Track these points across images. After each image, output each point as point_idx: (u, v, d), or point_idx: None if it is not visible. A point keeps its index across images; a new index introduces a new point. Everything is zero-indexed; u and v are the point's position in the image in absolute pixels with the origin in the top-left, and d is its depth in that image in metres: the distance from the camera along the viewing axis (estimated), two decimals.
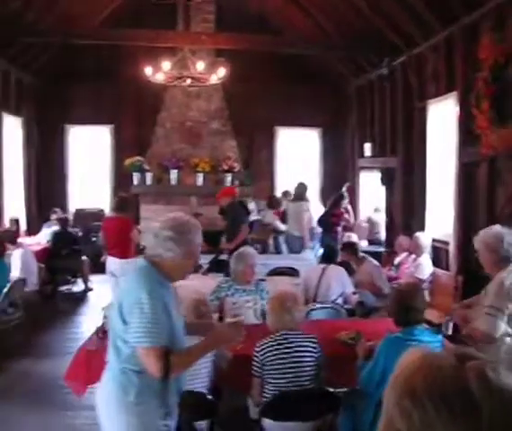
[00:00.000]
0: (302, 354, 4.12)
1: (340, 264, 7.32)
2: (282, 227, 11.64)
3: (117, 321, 3.09)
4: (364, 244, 11.57)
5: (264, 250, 11.20)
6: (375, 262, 8.02)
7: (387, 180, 11.80)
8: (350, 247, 8.13)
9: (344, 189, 12.01)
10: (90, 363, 4.63)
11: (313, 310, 6.27)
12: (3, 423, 5.76)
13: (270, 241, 11.76)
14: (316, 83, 14.06)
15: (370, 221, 12.76)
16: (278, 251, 11.56)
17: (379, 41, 10.92)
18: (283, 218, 11.60)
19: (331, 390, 4.13)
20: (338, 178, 13.59)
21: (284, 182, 14.44)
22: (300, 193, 11.46)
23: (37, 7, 10.92)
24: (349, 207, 11.74)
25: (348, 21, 11.49)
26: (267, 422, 3.99)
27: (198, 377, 4.03)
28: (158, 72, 10.17)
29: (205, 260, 8.99)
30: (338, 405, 4.09)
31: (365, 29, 10.90)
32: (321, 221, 11.14)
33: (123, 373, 3.11)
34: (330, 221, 11.01)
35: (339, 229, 11.14)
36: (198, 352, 3.34)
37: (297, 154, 15.26)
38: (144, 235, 3.30)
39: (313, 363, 4.15)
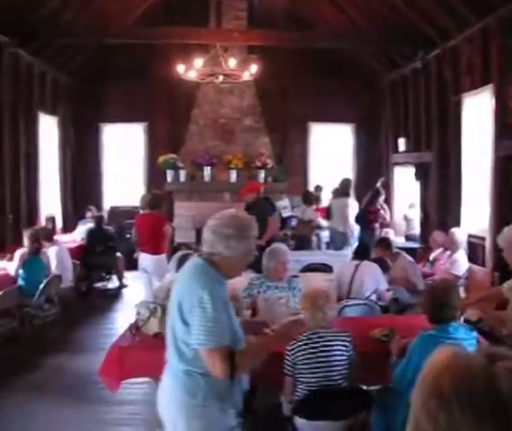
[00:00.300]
0: (334, 352, 4.08)
1: (375, 260, 7.24)
2: (323, 223, 11.63)
3: (177, 322, 3.03)
4: (400, 241, 11.45)
5: (306, 247, 11.14)
6: (410, 258, 7.92)
7: (421, 175, 11.66)
8: (384, 242, 8.03)
9: (378, 184, 11.90)
10: (123, 359, 4.67)
11: (346, 306, 6.22)
12: (38, 417, 5.85)
13: (314, 238, 11.74)
14: (349, 77, 13.95)
15: (406, 218, 12.62)
16: (319, 248, 11.55)
17: (413, 34, 10.78)
18: (327, 214, 11.52)
19: (364, 388, 4.09)
20: (371, 174, 13.46)
21: (317, 178, 14.39)
22: (344, 189, 11.36)
23: (74, 7, 11.06)
24: (385, 205, 11.61)
25: (381, 15, 11.38)
26: (299, 420, 3.97)
27: None
28: (190, 69, 10.20)
29: None
30: (370, 403, 4.05)
31: (398, 22, 10.77)
32: (358, 218, 11.05)
33: (188, 375, 3.05)
34: (366, 218, 10.94)
35: (377, 226, 11.05)
36: (261, 350, 3.28)
37: (330, 150, 15.17)
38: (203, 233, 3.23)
39: (346, 361, 4.10)
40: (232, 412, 3.15)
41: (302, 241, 11.09)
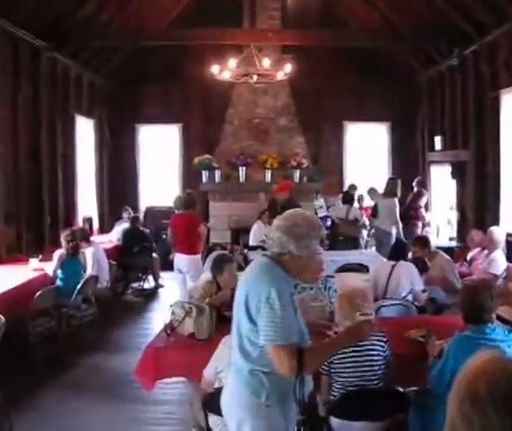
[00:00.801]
0: (370, 352, 4.04)
1: (414, 260, 7.15)
2: (368, 223, 11.62)
3: (243, 320, 3.01)
4: (442, 242, 11.30)
5: (352, 246, 11.11)
6: (447, 257, 7.81)
7: (458, 173, 11.50)
8: (422, 241, 7.92)
9: (415, 183, 11.81)
10: (158, 359, 4.70)
11: (382, 307, 6.16)
12: (76, 415, 5.92)
13: (361, 238, 11.73)
14: (385, 75, 13.84)
15: (449, 222, 12.42)
16: (365, 247, 11.55)
17: (449, 31, 10.64)
18: (373, 214, 11.44)
19: (401, 389, 4.03)
20: (407, 173, 13.32)
21: (352, 178, 14.29)
22: (391, 188, 11.24)
23: (109, 10, 11.18)
24: (423, 207, 11.49)
25: (416, 11, 11.25)
26: (334, 421, 3.93)
27: None
28: (225, 70, 10.22)
29: None
30: (407, 405, 3.98)
31: (434, 18, 10.64)
32: (400, 217, 10.96)
33: (253, 374, 3.02)
34: (408, 217, 10.88)
35: (419, 224, 10.99)
36: (330, 349, 3.27)
37: (366, 149, 15.06)
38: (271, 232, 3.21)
39: (382, 361, 4.06)
40: (294, 412, 3.11)
41: (348, 240, 11.08)
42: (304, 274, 3.21)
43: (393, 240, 10.71)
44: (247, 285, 3.07)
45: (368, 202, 13.08)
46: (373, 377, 4.00)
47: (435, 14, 10.55)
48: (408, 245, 8.07)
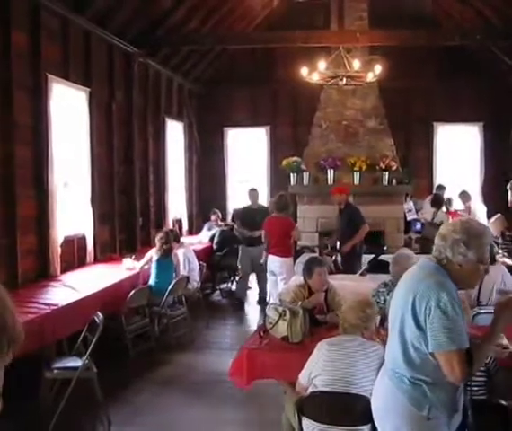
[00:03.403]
0: None
1: None
2: None
3: (410, 326, 2.92)
4: None
5: None
6: None
7: None
8: None
9: (509, 186, 11.40)
10: (252, 360, 4.74)
11: (478, 314, 5.96)
12: (167, 411, 6.08)
13: None
14: (477, 75, 13.43)
15: None
16: None
17: None
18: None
19: (504, 402, 3.89)
20: (500, 175, 12.87)
21: (443, 181, 13.93)
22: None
23: (199, 16, 11.39)
24: None
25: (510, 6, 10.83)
26: None
27: (364, 381, 3.89)
28: (313, 72, 10.19)
29: (364, 261, 8.93)
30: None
31: None
32: None
33: (415, 385, 2.94)
34: None
35: None
36: (488, 344, 3.03)
37: (456, 151, 14.65)
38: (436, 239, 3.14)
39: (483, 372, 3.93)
40: (457, 419, 3.03)
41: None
42: (461, 283, 3.04)
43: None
44: (412, 289, 2.97)
45: (459, 205, 12.74)
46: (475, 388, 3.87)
47: None
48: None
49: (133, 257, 8.87)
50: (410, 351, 2.93)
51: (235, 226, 11.71)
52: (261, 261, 9.53)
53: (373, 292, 5.74)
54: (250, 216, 10.56)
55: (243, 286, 11.00)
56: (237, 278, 11.52)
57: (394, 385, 3.02)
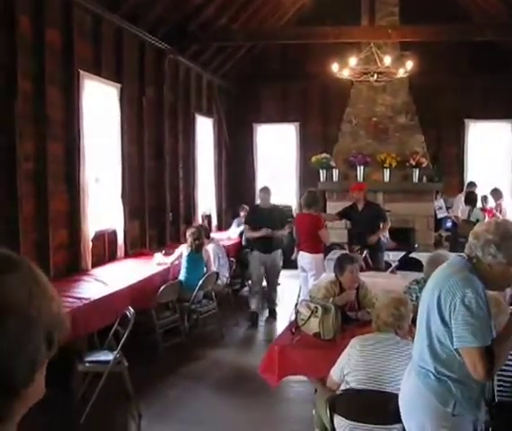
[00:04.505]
0: None
1: None
2: None
3: (435, 321, 2.94)
4: None
5: None
6: None
7: None
8: None
9: None
10: (283, 357, 4.74)
11: None
12: (197, 405, 6.09)
13: None
14: (509, 71, 13.22)
15: None
16: None
17: None
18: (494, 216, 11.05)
19: None
20: None
21: (474, 179, 13.73)
22: None
23: (229, 13, 11.39)
24: None
25: None
26: None
27: (397, 380, 3.85)
28: (344, 68, 10.13)
29: (394, 258, 8.86)
30: None
31: None
32: None
33: (440, 380, 2.95)
34: None
35: None
36: (507, 341, 2.96)
37: (488, 148, 14.44)
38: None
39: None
40: (483, 415, 3.04)
41: None
42: (491, 284, 3.02)
43: None
44: (439, 284, 2.99)
45: (491, 203, 12.59)
46: None
47: None
48: None
49: (163, 252, 8.91)
50: (435, 346, 2.95)
51: (244, 232, 10.91)
52: (292, 257, 9.50)
53: (404, 289, 5.68)
54: (258, 217, 9.66)
55: (258, 299, 9.77)
56: (248, 289, 10.74)
57: (420, 381, 3.03)
